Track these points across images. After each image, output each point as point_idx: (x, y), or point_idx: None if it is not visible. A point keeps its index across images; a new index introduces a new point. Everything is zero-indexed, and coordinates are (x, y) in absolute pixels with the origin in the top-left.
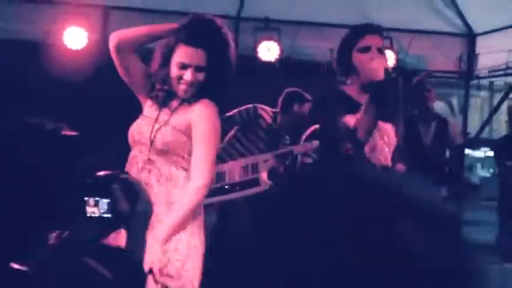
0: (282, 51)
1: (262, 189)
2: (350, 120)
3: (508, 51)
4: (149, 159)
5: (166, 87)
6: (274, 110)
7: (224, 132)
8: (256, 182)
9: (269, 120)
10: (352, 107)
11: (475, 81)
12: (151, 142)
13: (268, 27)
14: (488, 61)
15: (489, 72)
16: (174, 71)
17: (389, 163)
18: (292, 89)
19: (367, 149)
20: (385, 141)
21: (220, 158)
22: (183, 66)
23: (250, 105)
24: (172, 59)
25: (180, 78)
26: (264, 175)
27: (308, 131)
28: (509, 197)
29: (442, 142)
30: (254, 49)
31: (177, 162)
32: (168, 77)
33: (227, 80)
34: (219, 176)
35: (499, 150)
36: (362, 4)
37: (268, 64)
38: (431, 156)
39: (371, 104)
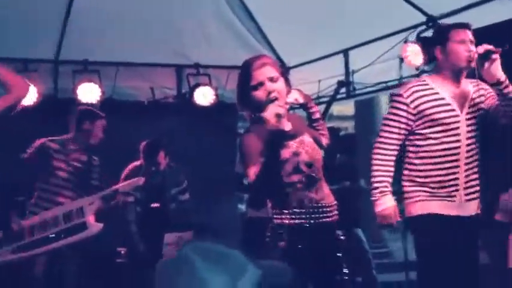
0: (103, 92)
1: (93, 233)
2: None
3: (318, 82)
4: None
5: None
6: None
7: None
8: (83, 226)
9: (56, 147)
10: None
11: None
12: None
13: (88, 69)
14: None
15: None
16: None
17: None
18: (84, 107)
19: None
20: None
21: (41, 206)
22: None
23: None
24: None
25: None
26: (91, 218)
27: (128, 169)
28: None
29: None
30: (74, 91)
31: None
32: None
33: None
34: (42, 226)
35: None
36: (179, 43)
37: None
38: None
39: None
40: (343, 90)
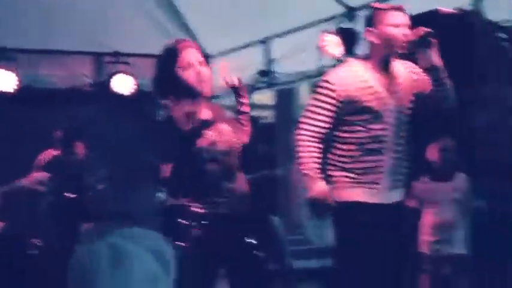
0: (19, 80)
1: None
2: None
3: (238, 71)
4: None
5: None
6: None
7: None
8: None
9: None
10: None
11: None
12: None
13: (5, 56)
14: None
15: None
16: None
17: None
18: None
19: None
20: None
21: None
22: None
23: None
24: None
25: None
26: None
27: (44, 158)
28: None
29: None
30: None
31: None
32: None
33: None
34: None
35: None
36: (99, 31)
37: (5, 94)
38: None
39: None
40: (263, 79)
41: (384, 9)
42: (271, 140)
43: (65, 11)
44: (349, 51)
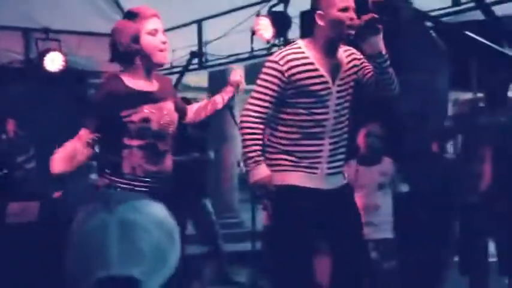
0: None
1: None
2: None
3: (171, 51)
4: None
5: None
6: None
7: None
8: None
9: None
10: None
11: None
12: None
13: None
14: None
15: None
16: None
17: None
18: None
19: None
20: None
21: None
22: None
23: None
24: None
25: None
26: None
27: None
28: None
29: None
30: None
31: None
32: None
33: None
34: None
35: None
36: (26, 5)
37: None
38: None
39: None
40: (195, 61)
41: None
42: (203, 122)
43: None
44: (281, 34)
